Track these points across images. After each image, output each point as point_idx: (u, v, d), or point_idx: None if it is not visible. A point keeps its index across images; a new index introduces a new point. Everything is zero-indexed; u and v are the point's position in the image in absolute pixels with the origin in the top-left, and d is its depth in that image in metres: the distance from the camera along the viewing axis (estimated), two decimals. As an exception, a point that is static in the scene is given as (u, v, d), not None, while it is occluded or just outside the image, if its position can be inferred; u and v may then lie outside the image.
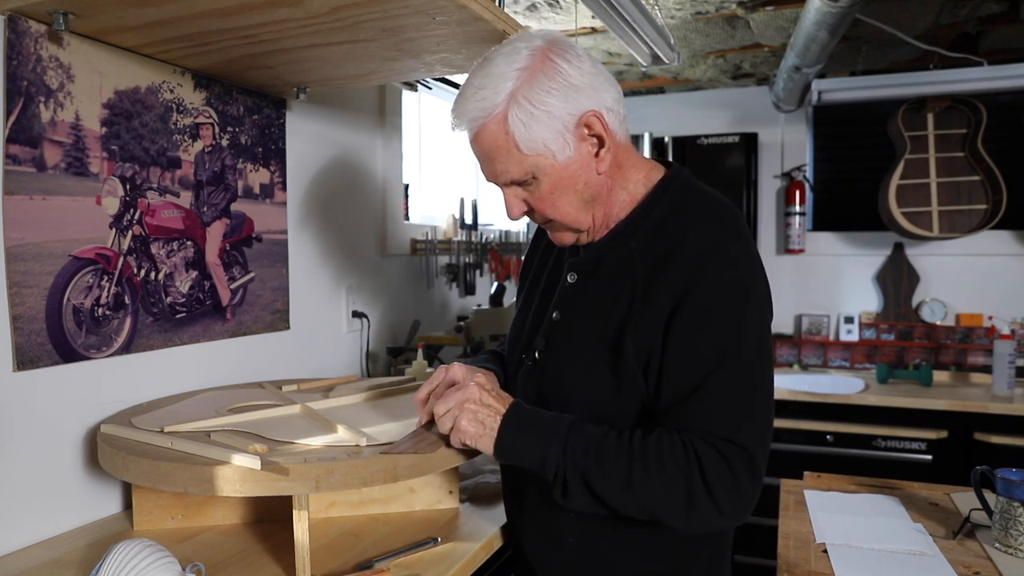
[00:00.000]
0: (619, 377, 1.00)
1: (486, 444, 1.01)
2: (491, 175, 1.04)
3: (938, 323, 3.08)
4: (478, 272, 2.78)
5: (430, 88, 2.66)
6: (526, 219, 1.10)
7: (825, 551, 1.26)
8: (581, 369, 1.04)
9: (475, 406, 1.01)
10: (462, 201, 2.71)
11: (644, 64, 2.27)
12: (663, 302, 0.98)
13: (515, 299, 1.33)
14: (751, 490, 0.95)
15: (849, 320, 3.19)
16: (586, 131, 1.00)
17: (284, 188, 1.75)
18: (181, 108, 1.44)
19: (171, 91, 1.41)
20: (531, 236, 1.37)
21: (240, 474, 0.96)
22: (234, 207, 1.60)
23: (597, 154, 1.02)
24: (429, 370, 1.87)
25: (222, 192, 1.56)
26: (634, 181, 1.08)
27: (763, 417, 0.98)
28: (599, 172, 1.03)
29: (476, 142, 1.02)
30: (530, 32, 1.04)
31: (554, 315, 1.11)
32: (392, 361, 2.17)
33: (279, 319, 1.75)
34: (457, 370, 1.10)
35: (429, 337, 2.29)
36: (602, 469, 0.95)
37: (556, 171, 1.00)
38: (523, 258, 1.33)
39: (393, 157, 2.24)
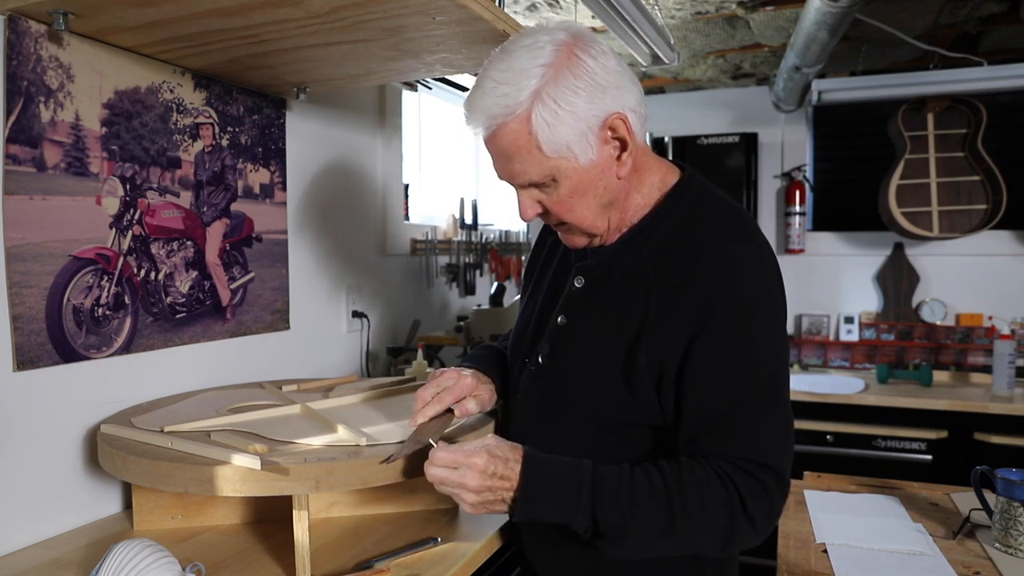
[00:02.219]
0: (632, 389, 0.99)
1: (499, 511, 0.97)
2: (507, 175, 1.00)
3: (938, 323, 3.08)
4: (478, 272, 2.78)
5: (430, 88, 2.66)
6: None
7: (825, 551, 1.26)
8: (587, 377, 1.03)
9: (481, 481, 0.93)
10: (462, 201, 2.71)
11: (644, 64, 2.27)
12: (681, 323, 0.96)
13: (519, 296, 1.32)
14: (782, 504, 0.96)
15: (849, 320, 3.19)
16: (610, 134, 0.96)
17: (284, 188, 1.75)
18: (181, 108, 1.44)
19: (171, 91, 1.41)
20: (531, 235, 1.36)
21: (240, 474, 0.96)
22: (234, 207, 1.60)
23: (619, 157, 0.98)
24: (429, 370, 1.87)
25: (222, 192, 1.56)
26: (649, 185, 1.05)
27: (789, 433, 0.98)
28: (619, 176, 0.99)
29: (493, 140, 0.97)
30: (549, 24, 0.99)
31: (559, 319, 1.09)
32: (392, 361, 2.17)
33: (279, 319, 1.75)
34: (469, 379, 1.10)
35: (429, 337, 2.30)
36: (639, 518, 0.92)
37: (577, 175, 0.96)
38: (528, 255, 1.31)
39: (393, 157, 2.24)
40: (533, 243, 1.31)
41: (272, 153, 1.71)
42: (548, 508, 0.94)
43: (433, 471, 0.95)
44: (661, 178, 1.06)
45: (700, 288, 0.96)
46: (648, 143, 1.01)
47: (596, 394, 1.02)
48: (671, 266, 0.99)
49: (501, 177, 1.02)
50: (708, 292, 0.95)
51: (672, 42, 2.19)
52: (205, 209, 1.52)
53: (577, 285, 1.08)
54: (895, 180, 2.87)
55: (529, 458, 0.95)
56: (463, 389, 1.12)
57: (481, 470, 0.93)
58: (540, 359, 1.10)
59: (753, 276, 0.98)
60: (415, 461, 1.02)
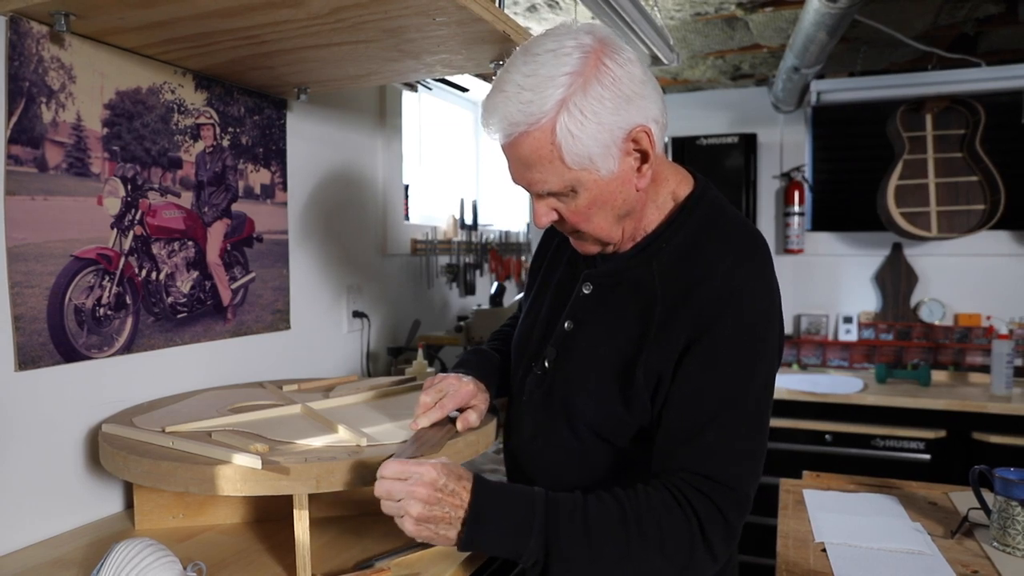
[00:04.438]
0: (627, 399, 0.99)
1: (444, 536, 0.89)
2: (524, 183, 0.97)
3: (937, 323, 3.08)
4: (478, 272, 2.78)
5: (430, 89, 2.66)
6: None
7: (824, 550, 1.27)
8: (591, 385, 1.03)
9: (431, 492, 0.87)
10: (462, 201, 2.72)
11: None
12: (679, 336, 0.96)
13: (523, 295, 1.31)
14: (739, 525, 0.94)
15: (848, 320, 3.19)
16: (632, 145, 0.94)
17: (285, 188, 1.75)
18: (182, 109, 1.45)
19: (172, 92, 1.42)
20: (531, 235, 1.36)
21: (241, 474, 0.96)
22: (235, 207, 1.60)
23: (639, 169, 0.96)
24: (430, 370, 1.88)
25: (223, 192, 1.56)
26: (663, 195, 1.05)
27: (759, 458, 0.98)
28: (638, 188, 0.98)
29: (512, 147, 0.93)
30: (574, 25, 0.95)
31: (566, 325, 1.09)
32: (392, 361, 2.18)
33: (280, 319, 1.75)
34: (470, 386, 1.11)
35: (429, 337, 2.30)
36: (594, 545, 0.89)
37: (598, 186, 0.95)
38: (532, 256, 1.30)
39: (393, 157, 2.24)
40: (537, 243, 1.31)
41: (273, 153, 1.71)
42: (498, 532, 0.89)
43: (381, 484, 0.89)
44: (675, 187, 1.06)
45: (702, 306, 0.95)
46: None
47: (597, 402, 1.02)
48: (678, 282, 0.99)
49: (517, 183, 0.99)
50: (709, 311, 0.95)
51: (671, 43, 2.20)
52: (206, 209, 1.52)
53: (585, 291, 1.08)
54: (894, 180, 2.87)
55: (480, 480, 0.91)
56: (464, 396, 1.12)
57: (432, 480, 0.87)
58: (546, 364, 1.10)
59: (754, 304, 0.97)
60: None
